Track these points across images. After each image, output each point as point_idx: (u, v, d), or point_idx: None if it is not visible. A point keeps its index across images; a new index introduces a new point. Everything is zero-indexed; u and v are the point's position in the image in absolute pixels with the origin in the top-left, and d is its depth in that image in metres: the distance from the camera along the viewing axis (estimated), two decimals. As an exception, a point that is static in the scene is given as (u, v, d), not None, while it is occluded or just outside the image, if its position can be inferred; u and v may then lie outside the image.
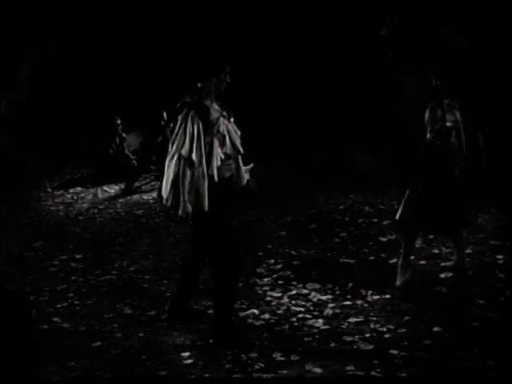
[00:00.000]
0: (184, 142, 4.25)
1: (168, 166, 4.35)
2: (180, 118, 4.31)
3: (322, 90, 11.01)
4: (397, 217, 5.52)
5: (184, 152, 4.23)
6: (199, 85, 4.42)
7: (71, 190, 11.38)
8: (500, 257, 5.92)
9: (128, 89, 12.54)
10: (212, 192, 4.29)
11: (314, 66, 11.25)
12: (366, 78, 10.11)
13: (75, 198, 10.92)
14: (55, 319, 5.25)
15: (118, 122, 12.19)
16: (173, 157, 4.31)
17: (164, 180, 4.39)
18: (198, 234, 4.61)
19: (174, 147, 4.31)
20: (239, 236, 4.72)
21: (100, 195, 11.02)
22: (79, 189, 11.46)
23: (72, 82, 12.93)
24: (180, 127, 4.29)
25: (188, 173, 4.25)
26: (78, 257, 7.22)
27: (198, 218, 4.39)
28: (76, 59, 12.62)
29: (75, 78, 12.89)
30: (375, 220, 7.73)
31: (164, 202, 4.40)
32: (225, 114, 4.45)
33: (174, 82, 8.26)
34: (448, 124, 5.36)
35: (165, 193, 4.37)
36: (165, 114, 12.13)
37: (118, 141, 12.21)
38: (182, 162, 4.25)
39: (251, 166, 4.78)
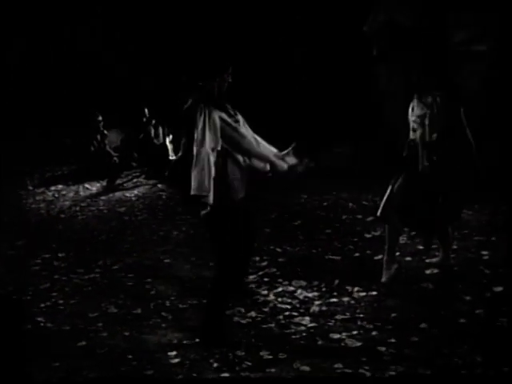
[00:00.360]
0: (214, 137, 4.12)
1: (203, 165, 4.08)
2: (198, 115, 4.15)
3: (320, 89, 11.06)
4: (378, 213, 5.51)
5: (218, 147, 4.13)
6: (201, 84, 4.35)
7: (52, 188, 11.30)
8: (485, 252, 5.93)
9: (110, 86, 12.48)
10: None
11: (314, 65, 11.28)
12: (362, 78, 10.15)
13: (56, 195, 10.84)
14: (39, 319, 5.21)
15: (100, 118, 12.11)
16: (207, 154, 4.09)
17: (197, 179, 4.08)
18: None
19: (203, 145, 4.10)
20: (247, 236, 4.46)
21: (82, 193, 10.95)
22: (60, 186, 11.39)
23: (53, 80, 12.84)
24: (204, 123, 4.12)
25: (231, 166, 4.19)
26: (60, 255, 7.17)
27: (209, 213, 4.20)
28: (62, 56, 12.56)
29: (57, 75, 12.81)
30: (359, 216, 7.74)
31: (203, 199, 4.13)
32: (237, 118, 4.33)
33: (176, 82, 8.21)
34: (413, 119, 5.35)
35: (202, 191, 4.09)
36: (146, 111, 12.11)
37: (99, 138, 12.13)
38: (220, 157, 4.14)
39: (292, 146, 4.45)
